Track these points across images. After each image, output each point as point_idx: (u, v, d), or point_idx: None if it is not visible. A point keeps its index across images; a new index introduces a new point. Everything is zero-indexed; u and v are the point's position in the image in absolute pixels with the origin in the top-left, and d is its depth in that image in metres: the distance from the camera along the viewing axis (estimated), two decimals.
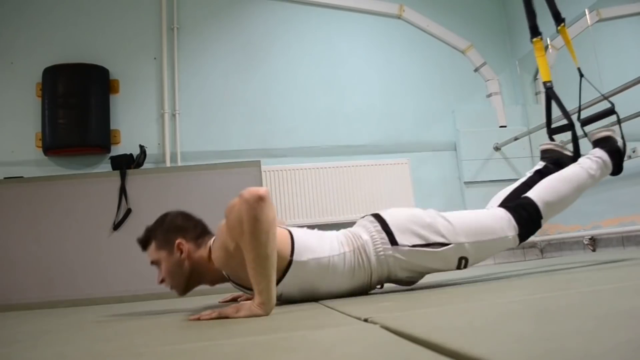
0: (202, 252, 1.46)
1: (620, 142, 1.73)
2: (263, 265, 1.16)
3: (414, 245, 1.42)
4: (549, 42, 3.43)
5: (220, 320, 1.13)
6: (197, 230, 1.49)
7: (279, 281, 1.29)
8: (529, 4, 2.09)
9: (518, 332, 0.60)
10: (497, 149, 3.79)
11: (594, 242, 3.18)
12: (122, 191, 2.93)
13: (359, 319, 0.87)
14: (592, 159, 1.67)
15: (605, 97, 1.95)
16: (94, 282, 2.80)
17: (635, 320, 0.61)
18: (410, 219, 1.47)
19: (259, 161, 3.09)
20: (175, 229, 1.47)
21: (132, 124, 3.47)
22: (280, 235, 1.32)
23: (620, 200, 2.90)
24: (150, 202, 2.93)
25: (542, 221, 1.56)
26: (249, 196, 1.16)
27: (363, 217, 1.59)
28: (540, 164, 1.85)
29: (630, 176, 2.74)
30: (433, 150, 3.83)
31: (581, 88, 1.94)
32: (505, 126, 3.88)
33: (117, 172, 2.97)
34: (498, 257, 3.71)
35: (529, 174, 1.81)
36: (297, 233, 1.41)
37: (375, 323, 0.79)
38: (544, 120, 2.07)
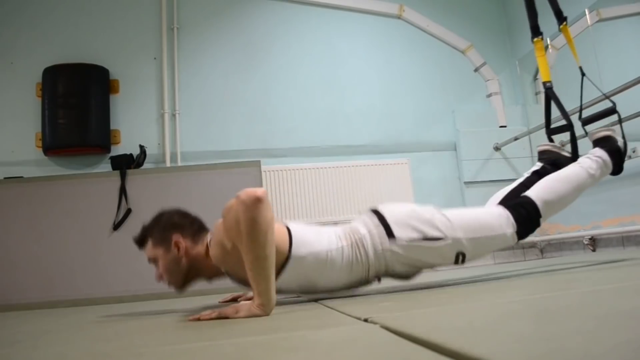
0: (200, 249, 1.45)
1: (620, 142, 1.72)
2: (262, 266, 1.16)
3: (411, 240, 1.42)
4: (549, 42, 3.43)
5: (220, 320, 1.13)
6: (194, 227, 1.49)
7: (277, 276, 1.29)
8: (530, 3, 2.08)
9: (518, 332, 0.60)
10: (497, 149, 3.79)
11: (594, 242, 3.18)
12: (122, 191, 2.93)
13: (359, 319, 0.87)
14: (592, 159, 1.67)
15: (607, 97, 1.94)
16: (94, 282, 2.80)
17: (635, 321, 0.61)
18: (409, 214, 1.48)
19: (259, 161, 3.09)
20: (172, 226, 1.47)
21: (132, 124, 3.47)
22: (278, 230, 1.32)
23: (620, 200, 2.90)
24: (150, 202, 2.92)
25: (541, 220, 1.56)
26: (246, 197, 1.16)
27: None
28: (537, 165, 1.85)
29: (630, 176, 2.74)
30: (433, 150, 3.83)
31: (582, 87, 1.94)
32: (505, 126, 3.88)
33: (117, 172, 2.97)
34: (498, 257, 3.71)
35: (526, 174, 1.81)
36: (295, 228, 1.41)
37: (375, 323, 0.79)
38: (543, 120, 2.07)
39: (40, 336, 1.17)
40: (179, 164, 3.42)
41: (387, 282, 2.23)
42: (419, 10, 4.02)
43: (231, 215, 1.20)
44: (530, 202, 1.56)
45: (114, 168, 3.09)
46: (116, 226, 2.88)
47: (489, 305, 0.96)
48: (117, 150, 3.35)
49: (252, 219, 1.15)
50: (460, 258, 1.48)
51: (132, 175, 2.98)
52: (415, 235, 1.43)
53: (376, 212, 1.50)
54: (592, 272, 1.52)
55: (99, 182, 2.95)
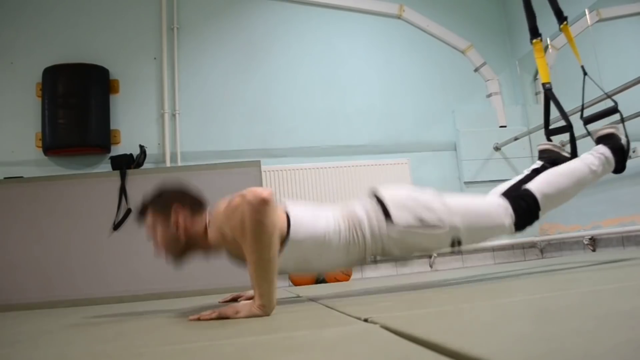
0: (198, 225, 1.45)
1: (624, 140, 1.72)
2: (265, 268, 1.16)
3: (409, 226, 1.43)
4: (548, 42, 3.43)
5: (220, 320, 1.13)
6: (194, 201, 1.48)
7: None
8: (528, 5, 2.08)
9: (518, 332, 0.60)
10: (497, 149, 3.79)
11: (594, 242, 3.18)
12: (122, 191, 2.93)
13: (359, 319, 0.87)
14: (594, 155, 1.67)
15: (609, 96, 1.94)
16: (94, 282, 2.80)
17: (635, 321, 0.61)
18: (408, 199, 1.48)
19: (259, 161, 3.09)
20: (171, 199, 1.46)
21: (132, 124, 3.47)
22: (277, 215, 1.32)
23: (621, 200, 2.90)
24: None
25: (540, 213, 1.57)
26: (253, 199, 1.15)
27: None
28: (537, 164, 1.85)
29: (630, 176, 2.74)
30: (433, 150, 3.83)
31: (584, 87, 1.94)
32: (505, 126, 3.88)
33: (117, 172, 2.97)
34: (498, 257, 3.71)
35: (526, 171, 1.81)
36: (294, 212, 1.40)
37: (375, 323, 0.79)
38: (542, 120, 2.07)
39: (40, 336, 1.17)
40: (179, 164, 3.42)
41: (388, 282, 2.23)
42: (419, 10, 4.02)
43: (237, 215, 1.19)
44: (530, 195, 1.56)
45: (114, 168, 3.09)
46: (116, 226, 2.88)
47: (489, 305, 0.96)
48: (117, 150, 3.35)
49: (258, 221, 1.14)
50: (456, 243, 1.48)
51: (132, 175, 2.98)
52: (413, 222, 1.43)
53: (376, 195, 1.50)
54: (592, 272, 1.52)
55: (99, 182, 2.95)
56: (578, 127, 1.94)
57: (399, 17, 4.00)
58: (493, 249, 3.71)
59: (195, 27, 3.70)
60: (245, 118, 3.62)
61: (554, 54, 3.46)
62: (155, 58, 3.60)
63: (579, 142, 1.87)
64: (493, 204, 1.53)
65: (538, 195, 1.55)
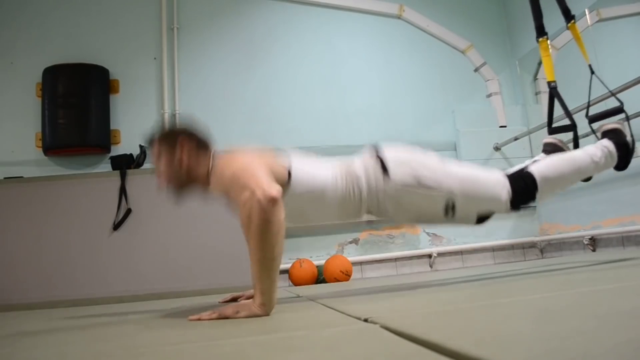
0: (202, 166, 1.46)
1: (628, 137, 1.73)
2: (268, 266, 1.16)
3: (406, 185, 1.45)
4: (548, 42, 3.43)
5: (220, 320, 1.13)
6: (201, 140, 1.50)
7: None
8: (536, 3, 2.08)
9: (518, 332, 0.60)
10: (497, 149, 3.79)
11: (594, 242, 3.18)
12: (122, 191, 2.93)
13: (359, 319, 0.87)
14: (597, 147, 1.68)
15: (614, 95, 1.94)
16: (94, 282, 2.80)
17: (635, 320, 0.61)
18: (408, 156, 1.50)
19: None
20: (180, 129, 1.50)
21: (132, 124, 3.47)
22: (277, 170, 1.36)
23: (621, 200, 2.90)
24: (150, 202, 2.92)
25: (537, 195, 1.57)
26: (262, 197, 1.15)
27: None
28: (540, 156, 1.85)
29: (630, 176, 2.74)
30: (433, 150, 3.79)
31: (591, 85, 1.94)
32: (505, 126, 3.88)
33: (117, 172, 2.97)
34: (498, 257, 3.71)
35: (528, 162, 1.82)
36: (295, 167, 1.42)
37: (375, 323, 0.79)
38: (545, 119, 2.07)
39: (40, 336, 1.17)
40: None
41: (388, 282, 2.23)
42: (419, 10, 4.02)
43: (245, 210, 1.18)
44: (529, 175, 1.57)
45: (114, 168, 3.09)
46: (116, 226, 2.88)
47: (489, 305, 0.96)
48: (117, 150, 3.35)
49: (266, 219, 1.14)
50: (450, 208, 1.49)
51: (132, 175, 2.98)
52: (409, 180, 1.44)
53: (378, 152, 1.51)
54: (592, 272, 1.52)
55: (99, 182, 2.95)
56: (581, 126, 1.94)
57: (399, 17, 4.00)
58: (493, 249, 3.71)
59: (195, 27, 3.70)
60: (245, 118, 3.62)
61: (554, 53, 3.45)
62: (155, 58, 3.60)
63: (581, 141, 1.87)
64: (492, 177, 1.54)
65: (537, 177, 1.56)
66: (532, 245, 3.77)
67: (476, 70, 4.03)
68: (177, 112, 3.52)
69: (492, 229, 3.73)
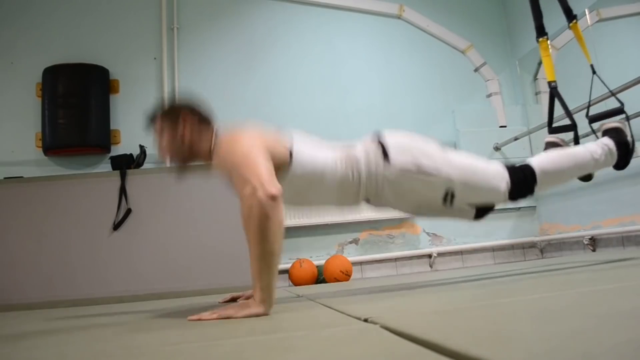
0: (204, 142, 1.48)
1: (629, 137, 1.73)
2: (268, 262, 1.16)
3: (405, 170, 1.45)
4: (548, 42, 3.42)
5: (220, 320, 1.13)
6: (203, 116, 1.51)
7: None
8: (536, 3, 2.08)
9: (518, 332, 0.60)
10: (497, 149, 3.79)
11: (594, 242, 3.18)
12: (122, 191, 2.93)
13: (359, 319, 0.87)
14: (597, 144, 1.68)
15: (614, 95, 1.94)
16: (94, 282, 2.80)
17: (635, 320, 0.61)
18: (409, 143, 1.50)
19: None
20: (182, 105, 1.51)
21: (132, 124, 3.47)
22: (279, 151, 1.37)
23: (621, 200, 2.90)
24: (150, 202, 2.93)
25: (536, 187, 1.58)
26: (263, 194, 1.16)
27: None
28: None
29: (630, 176, 2.74)
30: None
31: (592, 85, 1.94)
32: (505, 126, 3.88)
33: (117, 172, 2.97)
34: (498, 257, 3.71)
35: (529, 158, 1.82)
36: (297, 148, 1.43)
37: (375, 323, 0.79)
38: (545, 118, 2.07)
39: (40, 336, 1.17)
40: None
41: (388, 282, 2.23)
42: (419, 10, 4.02)
43: (245, 207, 1.19)
44: (528, 167, 1.58)
45: (114, 168, 3.09)
46: (116, 226, 2.88)
47: (489, 305, 0.96)
48: (117, 150, 3.35)
49: (265, 216, 1.15)
50: (449, 197, 1.49)
51: (132, 175, 2.98)
52: (410, 166, 1.45)
53: (379, 138, 1.52)
54: (592, 272, 1.52)
55: (99, 182, 2.95)
56: (582, 126, 1.94)
57: (399, 17, 4.00)
58: (493, 249, 3.71)
59: (195, 27, 3.70)
60: (245, 118, 3.61)
61: (554, 53, 3.45)
62: (155, 58, 3.60)
63: (582, 141, 1.87)
64: (492, 168, 1.55)
65: (537, 169, 1.57)
66: (532, 245, 3.77)
67: (476, 70, 4.03)
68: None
69: (492, 229, 3.73)
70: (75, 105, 3.22)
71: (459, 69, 4.01)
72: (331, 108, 3.75)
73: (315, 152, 1.47)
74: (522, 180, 1.55)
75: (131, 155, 3.23)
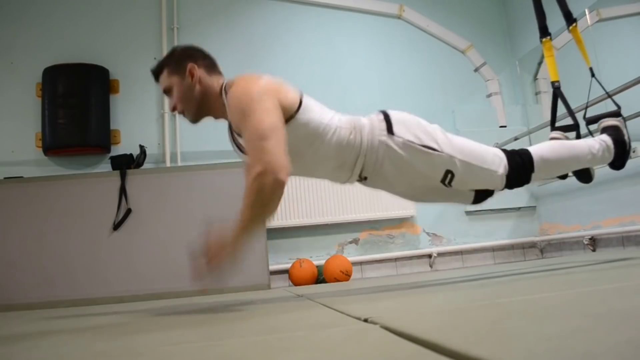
0: (214, 84, 1.49)
1: (626, 137, 1.74)
2: (254, 221, 1.26)
3: (408, 141, 1.46)
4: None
5: (219, 320, 1.13)
6: (208, 60, 1.53)
7: None
8: (539, 4, 2.08)
9: (518, 332, 0.60)
10: None
11: (594, 242, 3.18)
12: (122, 191, 2.93)
13: (359, 319, 0.87)
14: (596, 140, 1.70)
15: (612, 98, 1.95)
16: (94, 282, 2.80)
17: (635, 320, 0.61)
18: (413, 121, 1.52)
19: None
20: (186, 56, 1.50)
21: (132, 124, 3.47)
22: (291, 96, 1.39)
23: (621, 200, 2.90)
24: (150, 202, 2.93)
25: (533, 175, 1.58)
26: (273, 180, 1.22)
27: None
28: None
29: (630, 176, 2.74)
30: None
31: (590, 87, 1.95)
32: (505, 126, 3.88)
33: (117, 172, 2.97)
34: (498, 257, 3.71)
35: None
36: (307, 99, 1.45)
37: (375, 323, 0.79)
38: (546, 118, 2.08)
39: (40, 336, 1.17)
40: (179, 164, 3.42)
41: (388, 282, 2.23)
42: (419, 10, 4.02)
43: (254, 183, 1.24)
44: (526, 153, 1.59)
45: (114, 168, 3.09)
46: (116, 226, 2.88)
47: (489, 305, 0.96)
48: (117, 150, 3.35)
49: (269, 197, 1.24)
50: (448, 177, 1.50)
51: (132, 175, 2.98)
52: (413, 139, 1.46)
53: (383, 112, 1.55)
54: (592, 272, 1.52)
55: (99, 182, 2.95)
56: (582, 126, 1.95)
57: (399, 17, 4.00)
58: (493, 249, 3.71)
59: (195, 27, 3.70)
60: None
61: (554, 53, 3.46)
62: (155, 58, 3.59)
63: None
64: (490, 151, 1.56)
65: (535, 155, 1.58)
66: (532, 245, 3.77)
67: (476, 70, 4.03)
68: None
69: (492, 229, 3.73)
70: (75, 105, 3.22)
71: (459, 69, 4.01)
72: (331, 108, 3.74)
73: (322, 108, 1.49)
74: (520, 165, 1.56)
75: (131, 155, 3.23)
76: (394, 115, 1.52)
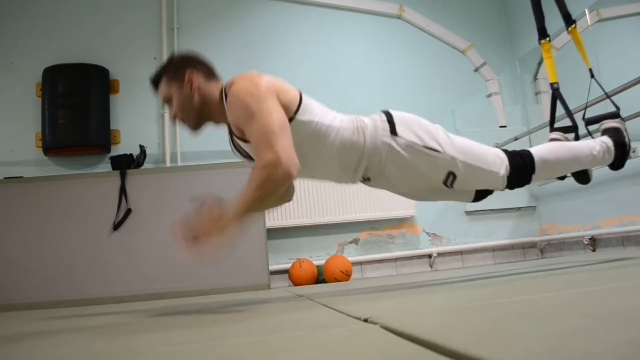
0: (213, 90, 1.48)
1: (627, 139, 1.75)
2: (255, 206, 1.27)
3: (411, 142, 1.46)
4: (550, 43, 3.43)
5: (219, 320, 1.13)
6: (206, 66, 1.51)
7: None
8: (537, 6, 2.08)
9: (518, 332, 0.60)
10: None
11: (594, 242, 3.18)
12: (122, 191, 2.93)
13: (359, 319, 0.87)
14: (597, 142, 1.70)
15: (609, 97, 1.95)
16: (95, 281, 2.80)
17: (635, 320, 0.61)
18: (415, 121, 1.52)
19: None
20: (184, 63, 1.49)
21: (132, 124, 3.47)
22: (291, 94, 1.39)
23: (620, 200, 2.90)
24: (150, 202, 2.93)
25: (534, 176, 1.59)
26: (283, 172, 1.24)
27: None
28: None
29: (630, 176, 2.74)
30: None
31: (590, 88, 1.95)
32: (505, 126, 3.88)
33: (117, 172, 2.97)
34: (498, 257, 3.71)
35: None
36: (307, 98, 1.44)
37: (375, 323, 0.79)
38: (546, 118, 2.09)
39: (40, 336, 1.17)
40: (179, 164, 3.42)
41: (388, 282, 2.23)
42: (419, 10, 4.02)
43: (263, 171, 1.25)
44: (527, 154, 1.59)
45: (114, 168, 3.09)
46: (116, 226, 2.88)
47: (489, 305, 0.96)
48: (117, 150, 3.35)
49: (276, 187, 1.26)
50: (450, 179, 1.50)
51: (132, 175, 2.98)
52: (416, 140, 1.46)
53: (386, 112, 1.54)
54: (592, 272, 1.52)
55: (99, 182, 2.95)
56: (581, 127, 1.95)
57: (399, 17, 4.00)
58: (493, 249, 3.71)
59: (195, 27, 3.70)
60: None
61: (554, 54, 3.45)
62: (155, 58, 3.60)
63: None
64: (491, 152, 1.57)
65: (536, 156, 1.58)
66: (532, 245, 3.77)
67: (476, 70, 4.03)
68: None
69: (492, 229, 3.73)
70: (75, 105, 3.22)
71: (459, 69, 4.01)
72: (332, 108, 3.74)
73: (323, 108, 1.48)
74: (521, 166, 1.56)
75: (131, 155, 3.23)
76: (396, 115, 1.52)
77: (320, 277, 3.19)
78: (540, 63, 3.80)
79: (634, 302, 0.77)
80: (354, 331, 0.78)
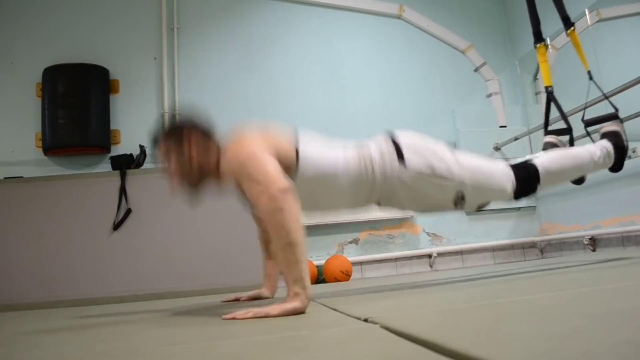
0: (211, 155, 1.45)
1: (626, 142, 1.75)
2: (293, 254, 1.15)
3: (420, 173, 1.46)
4: (548, 42, 3.42)
5: (218, 320, 1.13)
6: (205, 124, 1.49)
7: None
8: (533, 10, 2.09)
9: (518, 332, 0.60)
10: (497, 149, 3.79)
11: (594, 242, 3.18)
12: (122, 191, 2.93)
13: (359, 319, 0.87)
14: (597, 147, 1.71)
15: (607, 97, 1.95)
16: (95, 282, 2.80)
17: (635, 320, 0.61)
18: (423, 145, 1.51)
19: None
20: (183, 122, 1.49)
21: (132, 124, 3.47)
22: (285, 151, 1.36)
23: (620, 200, 2.90)
24: (150, 202, 2.92)
25: (539, 186, 1.61)
26: (273, 189, 1.18)
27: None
28: (540, 154, 1.87)
29: (630, 176, 2.74)
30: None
31: (589, 90, 1.96)
32: (505, 126, 3.88)
33: (117, 172, 2.97)
34: (498, 257, 3.71)
35: (529, 156, 1.83)
36: (303, 148, 1.41)
37: (375, 323, 0.79)
38: (542, 122, 2.09)
39: (40, 336, 1.17)
40: None
41: (388, 282, 2.23)
42: (419, 10, 4.02)
43: (261, 205, 1.20)
44: (532, 166, 1.61)
45: (114, 168, 3.09)
46: (116, 226, 2.88)
47: (489, 305, 0.96)
48: (117, 150, 3.35)
49: (278, 209, 1.16)
50: (459, 199, 1.51)
51: (132, 175, 2.98)
52: (424, 169, 1.46)
53: (392, 138, 1.52)
54: (592, 271, 1.52)
55: (99, 182, 2.95)
56: (578, 129, 1.95)
57: (399, 17, 4.00)
58: (493, 249, 3.71)
59: (195, 27, 3.70)
60: (245, 118, 3.61)
61: (554, 54, 3.45)
62: (155, 58, 3.60)
63: (576, 144, 1.89)
64: (498, 169, 1.58)
65: (540, 169, 1.60)
66: (532, 245, 3.77)
67: (476, 70, 4.03)
68: (177, 112, 3.52)
69: (492, 229, 3.73)
70: (75, 105, 3.22)
71: (459, 69, 4.01)
72: (331, 108, 3.75)
73: (324, 152, 1.46)
74: (527, 180, 1.58)
75: (131, 155, 3.23)
76: (402, 140, 1.50)
77: (320, 277, 3.19)
78: None
79: (634, 302, 0.77)
80: (354, 331, 0.78)
